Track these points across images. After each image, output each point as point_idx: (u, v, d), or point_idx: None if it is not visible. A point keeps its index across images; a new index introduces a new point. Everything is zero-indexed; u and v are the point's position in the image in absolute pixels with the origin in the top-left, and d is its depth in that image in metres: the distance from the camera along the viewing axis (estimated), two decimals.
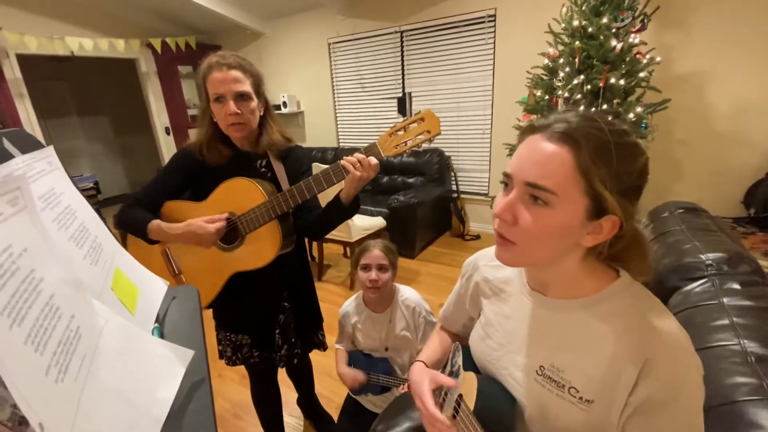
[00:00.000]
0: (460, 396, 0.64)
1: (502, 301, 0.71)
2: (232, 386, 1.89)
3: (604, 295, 0.58)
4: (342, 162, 0.94)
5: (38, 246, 0.33)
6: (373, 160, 0.93)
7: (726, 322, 0.82)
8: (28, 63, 3.72)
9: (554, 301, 0.62)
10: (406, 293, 1.32)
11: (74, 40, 3.70)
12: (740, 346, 0.75)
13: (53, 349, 0.28)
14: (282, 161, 1.12)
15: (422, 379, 0.71)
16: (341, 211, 1.02)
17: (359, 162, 0.93)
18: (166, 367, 0.41)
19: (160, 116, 4.83)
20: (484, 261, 0.76)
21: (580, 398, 0.56)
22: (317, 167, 1.64)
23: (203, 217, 1.01)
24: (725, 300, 0.89)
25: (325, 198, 1.06)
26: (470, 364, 0.76)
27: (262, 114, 1.08)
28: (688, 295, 0.99)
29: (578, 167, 0.49)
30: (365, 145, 0.97)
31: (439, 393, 0.72)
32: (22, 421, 0.23)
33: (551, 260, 0.57)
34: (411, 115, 0.97)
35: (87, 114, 5.67)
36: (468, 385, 0.66)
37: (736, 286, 0.93)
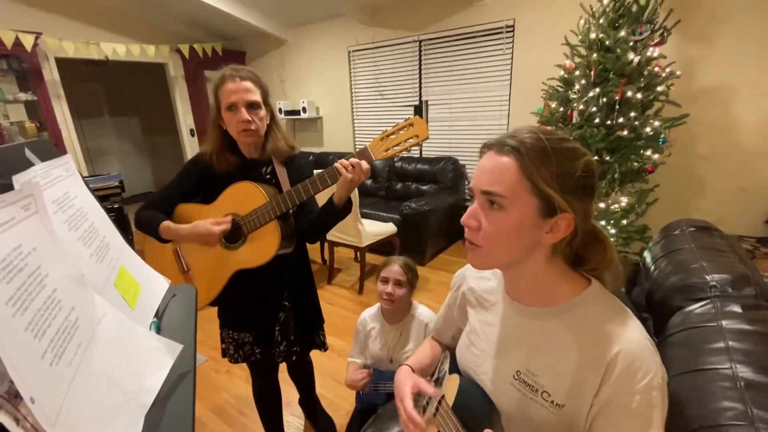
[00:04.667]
0: (443, 396, 0.67)
1: (486, 309, 0.74)
2: (239, 383, 1.95)
3: (574, 304, 0.61)
4: (336, 165, 0.99)
5: (46, 246, 0.37)
6: (365, 165, 0.99)
7: (721, 345, 0.81)
8: (66, 66, 3.95)
9: (530, 309, 0.65)
10: (423, 310, 1.39)
11: (108, 45, 3.90)
12: (732, 370, 0.74)
13: (51, 336, 0.33)
14: (285, 168, 1.18)
15: (405, 382, 0.74)
16: (333, 212, 1.07)
17: (352, 165, 0.98)
18: (156, 359, 0.45)
19: (185, 119, 5.02)
20: (471, 272, 0.80)
21: (552, 402, 0.59)
22: None
23: (209, 219, 1.08)
24: (724, 323, 0.88)
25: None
26: (456, 371, 0.78)
27: (268, 122, 1.13)
28: (688, 315, 0.98)
29: (523, 172, 0.55)
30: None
31: (424, 397, 0.75)
32: (17, 395, 0.27)
33: (516, 260, 0.61)
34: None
35: (118, 114, 5.96)
36: (451, 386, 0.69)
37: (737, 309, 0.91)
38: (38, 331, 0.31)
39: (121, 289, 0.53)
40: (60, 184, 0.49)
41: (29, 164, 0.46)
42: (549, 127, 0.61)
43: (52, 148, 0.52)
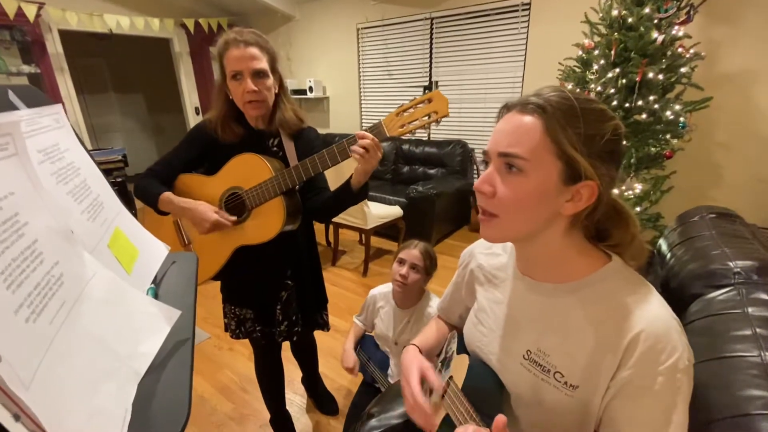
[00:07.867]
0: (451, 377, 0.64)
1: (495, 287, 0.70)
2: (241, 360, 1.95)
3: (591, 280, 0.57)
4: (353, 148, 0.93)
5: (27, 192, 0.33)
6: (376, 141, 0.92)
7: (748, 332, 0.77)
8: (69, 39, 3.87)
9: (543, 285, 0.61)
10: (435, 305, 1.34)
11: (112, 17, 3.82)
12: (760, 358, 0.70)
13: (29, 290, 0.29)
14: (293, 141, 1.12)
15: (412, 365, 0.71)
16: (350, 196, 1.02)
17: (365, 149, 0.91)
18: (152, 324, 0.41)
19: (190, 96, 4.95)
20: (480, 249, 0.76)
21: (565, 383, 0.56)
22: None
23: (214, 207, 1.04)
24: (750, 310, 0.84)
25: (338, 176, 1.06)
26: (464, 351, 0.75)
27: (276, 91, 1.07)
28: (710, 302, 0.94)
29: (547, 132, 0.50)
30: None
31: None
32: None
33: (534, 232, 0.57)
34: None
35: (123, 91, 5.89)
36: (460, 366, 0.66)
37: (765, 296, 0.87)
38: (12, 282, 0.28)
39: (116, 252, 0.49)
40: (49, 134, 0.45)
41: (13, 108, 0.41)
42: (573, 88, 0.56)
43: (42, 96, 0.48)
